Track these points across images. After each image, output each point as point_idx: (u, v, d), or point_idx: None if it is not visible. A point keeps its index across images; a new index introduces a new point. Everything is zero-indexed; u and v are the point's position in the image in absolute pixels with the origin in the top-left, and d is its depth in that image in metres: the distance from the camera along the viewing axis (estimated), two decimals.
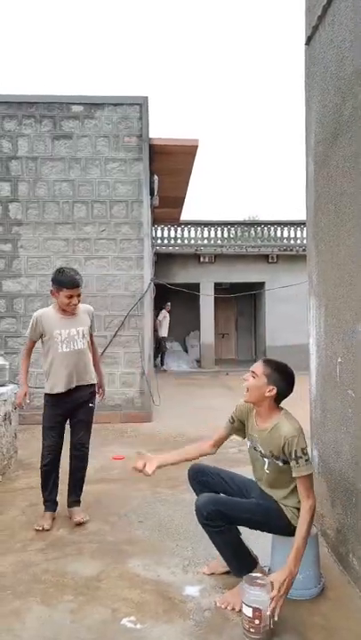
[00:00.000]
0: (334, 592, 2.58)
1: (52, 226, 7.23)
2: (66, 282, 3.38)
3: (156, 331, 13.85)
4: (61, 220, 7.23)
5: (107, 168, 7.27)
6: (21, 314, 7.17)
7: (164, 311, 14.35)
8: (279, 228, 16.13)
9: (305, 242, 15.14)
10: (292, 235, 16.00)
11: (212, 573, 2.73)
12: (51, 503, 3.50)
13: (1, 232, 7.19)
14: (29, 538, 3.25)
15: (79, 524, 3.38)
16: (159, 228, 15.37)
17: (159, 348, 14.67)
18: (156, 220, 12.91)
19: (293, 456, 2.40)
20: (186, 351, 16.74)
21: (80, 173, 7.26)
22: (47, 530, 3.31)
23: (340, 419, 2.84)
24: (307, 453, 2.42)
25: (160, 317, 14.28)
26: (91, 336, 3.65)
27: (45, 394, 3.58)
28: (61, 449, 3.58)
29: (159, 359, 15.00)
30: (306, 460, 2.40)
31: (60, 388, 3.48)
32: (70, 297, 3.39)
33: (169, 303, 14.50)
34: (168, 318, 14.55)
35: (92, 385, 3.64)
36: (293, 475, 2.42)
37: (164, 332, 14.55)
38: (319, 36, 3.14)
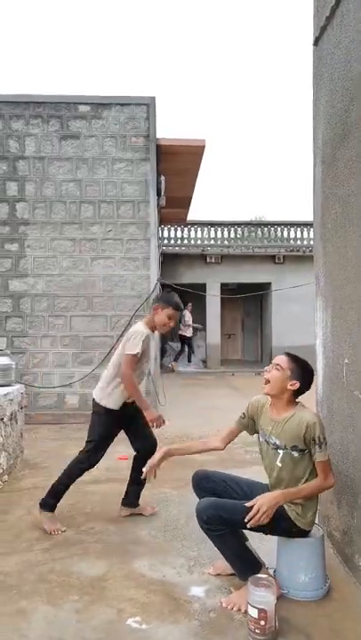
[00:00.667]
0: (340, 593, 2.57)
1: (58, 226, 7.25)
2: (173, 303, 3.55)
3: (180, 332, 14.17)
4: (68, 219, 7.25)
5: (114, 168, 7.28)
6: (28, 313, 7.19)
7: (187, 312, 14.38)
8: (286, 229, 16.10)
9: (312, 242, 15.19)
10: (299, 235, 15.96)
11: (218, 574, 2.73)
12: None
13: (8, 232, 7.21)
14: (35, 537, 3.25)
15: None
16: (166, 229, 15.37)
17: (182, 348, 14.88)
18: (163, 221, 12.91)
19: (317, 441, 2.46)
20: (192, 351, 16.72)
21: (87, 173, 7.27)
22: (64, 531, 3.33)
23: (346, 420, 2.84)
24: (326, 440, 2.49)
25: (186, 318, 14.34)
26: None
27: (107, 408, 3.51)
28: None
29: (170, 358, 15.12)
30: (326, 445, 2.48)
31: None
32: (171, 318, 3.54)
33: (190, 304, 14.51)
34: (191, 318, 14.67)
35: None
36: (317, 459, 2.47)
37: (189, 333, 14.65)
38: (327, 36, 3.14)
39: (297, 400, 2.66)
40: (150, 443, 3.59)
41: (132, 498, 3.63)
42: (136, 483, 3.56)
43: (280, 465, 2.57)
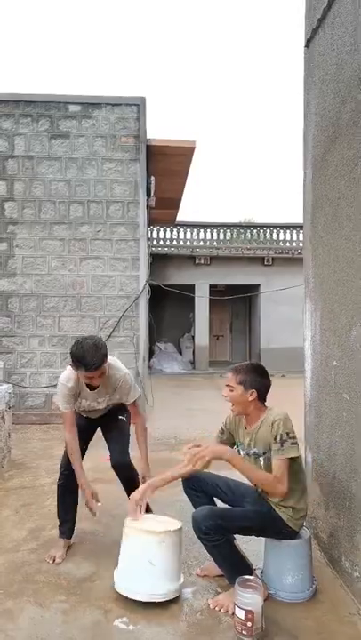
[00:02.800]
0: (327, 595, 2.58)
1: (47, 225, 7.21)
2: (83, 363, 2.84)
3: None
4: (57, 219, 7.22)
5: (103, 168, 7.26)
6: (16, 313, 7.15)
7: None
8: (275, 231, 16.18)
9: (301, 245, 15.27)
10: (288, 237, 16.05)
11: (205, 575, 2.72)
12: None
13: None
14: (22, 538, 3.23)
15: None
16: (155, 229, 15.36)
17: None
18: (153, 221, 12.90)
19: (277, 439, 2.42)
20: (180, 353, 16.74)
21: (77, 173, 7.25)
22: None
23: (334, 422, 2.85)
24: (293, 437, 2.43)
25: None
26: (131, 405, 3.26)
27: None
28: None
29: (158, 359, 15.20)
30: (292, 444, 2.41)
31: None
32: (91, 378, 2.94)
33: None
34: None
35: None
36: (274, 457, 2.41)
37: None
38: (319, 38, 3.15)
39: (265, 404, 2.63)
40: (115, 459, 3.21)
41: None
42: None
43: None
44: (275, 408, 2.58)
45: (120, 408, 3.31)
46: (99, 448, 3.93)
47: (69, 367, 3.02)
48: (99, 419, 3.33)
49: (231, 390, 2.59)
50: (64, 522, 3.13)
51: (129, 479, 3.22)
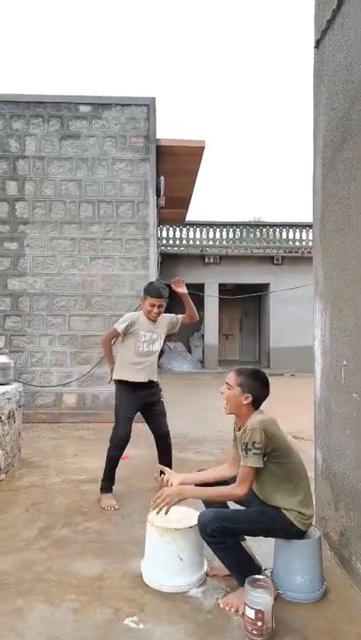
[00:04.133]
0: (337, 595, 2.58)
1: (58, 225, 7.25)
2: (151, 292, 3.91)
3: None
4: (68, 219, 7.25)
5: (113, 168, 7.29)
6: (26, 312, 7.19)
7: None
8: (284, 230, 16.14)
9: (310, 244, 15.22)
10: (298, 236, 16.00)
11: (215, 575, 2.73)
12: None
13: (7, 231, 7.22)
14: (32, 536, 3.25)
15: None
16: (165, 229, 15.39)
17: None
18: (162, 221, 12.92)
19: (244, 447, 2.46)
20: (189, 352, 16.75)
21: (87, 173, 7.28)
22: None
23: (344, 421, 2.84)
24: (258, 448, 2.42)
25: None
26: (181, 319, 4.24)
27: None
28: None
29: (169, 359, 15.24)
30: (254, 454, 2.42)
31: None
32: (153, 305, 3.90)
33: None
34: None
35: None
36: (240, 463, 2.49)
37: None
38: (329, 39, 3.14)
39: (260, 409, 2.64)
40: (160, 432, 4.13)
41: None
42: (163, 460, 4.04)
43: None
44: (258, 415, 2.56)
45: (160, 391, 4.16)
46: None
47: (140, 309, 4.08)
48: (144, 397, 4.00)
49: (229, 389, 2.63)
50: (112, 482, 3.88)
51: (167, 449, 4.14)
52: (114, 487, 3.89)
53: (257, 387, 2.61)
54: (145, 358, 3.97)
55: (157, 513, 2.56)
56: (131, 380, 3.93)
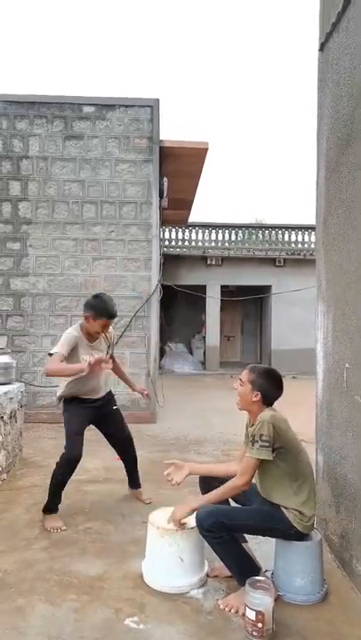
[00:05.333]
0: (337, 597, 2.58)
1: (61, 225, 7.26)
2: (106, 313, 3.46)
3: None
4: (70, 219, 7.27)
5: (117, 169, 7.30)
6: (29, 312, 7.21)
7: None
8: (287, 232, 16.14)
9: (312, 246, 15.22)
10: (300, 239, 16.00)
11: (216, 576, 2.73)
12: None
13: (10, 231, 7.23)
14: (33, 536, 3.26)
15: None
16: (167, 230, 15.39)
17: None
18: (165, 222, 12.93)
19: (252, 438, 2.49)
20: (191, 353, 16.75)
21: (90, 174, 7.29)
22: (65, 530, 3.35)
23: (346, 424, 2.85)
24: (265, 441, 2.44)
25: None
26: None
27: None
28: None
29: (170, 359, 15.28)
30: (261, 446, 2.44)
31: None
32: (104, 327, 3.52)
33: None
34: None
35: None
36: (246, 454, 2.52)
37: None
38: (333, 42, 3.15)
39: (273, 407, 2.66)
40: (122, 436, 3.84)
41: (130, 481, 3.96)
42: (128, 469, 3.92)
43: (257, 470, 2.60)
44: (269, 411, 2.58)
45: (112, 399, 3.82)
46: (110, 447, 3.96)
47: (77, 325, 3.55)
48: (97, 408, 3.65)
49: (241, 385, 2.66)
50: (57, 501, 3.46)
51: (134, 459, 3.91)
52: (116, 487, 3.83)
53: (268, 385, 2.62)
54: (90, 380, 3.52)
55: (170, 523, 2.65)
56: (74, 395, 3.58)
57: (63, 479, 3.44)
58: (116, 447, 3.91)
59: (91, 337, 3.55)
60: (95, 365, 3.23)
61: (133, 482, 3.95)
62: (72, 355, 3.42)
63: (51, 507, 3.45)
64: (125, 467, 3.94)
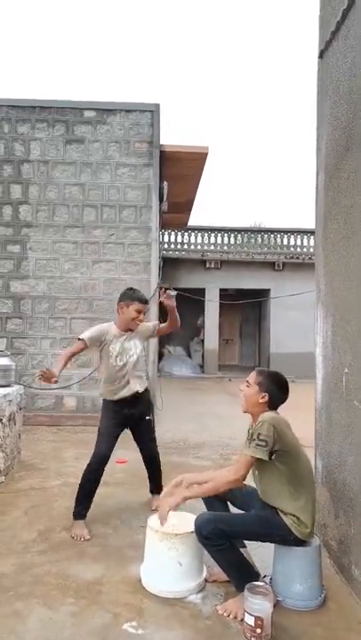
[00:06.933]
0: (336, 603, 2.58)
1: (61, 229, 7.28)
2: (138, 297, 3.65)
3: None
4: (71, 223, 7.28)
5: (117, 173, 7.32)
6: (28, 315, 7.21)
7: None
8: (286, 236, 16.18)
9: (311, 250, 15.25)
10: (299, 242, 16.04)
11: (214, 580, 2.73)
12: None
13: (10, 233, 7.24)
14: (32, 539, 3.26)
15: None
16: (166, 233, 15.43)
17: None
18: (164, 225, 12.95)
19: (249, 436, 2.50)
20: (189, 356, 16.75)
21: (90, 177, 7.31)
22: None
23: (345, 429, 2.85)
24: (262, 440, 2.44)
25: None
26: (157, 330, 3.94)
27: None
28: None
29: (168, 362, 15.27)
30: (257, 445, 2.44)
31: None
32: (139, 312, 3.63)
33: None
34: None
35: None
36: (241, 450, 2.53)
37: None
38: (333, 50, 3.17)
39: (276, 411, 2.66)
40: (148, 452, 3.85)
41: (151, 486, 3.93)
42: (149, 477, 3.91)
43: (257, 472, 2.63)
44: (271, 412, 2.59)
45: (148, 408, 3.84)
46: (114, 450, 3.95)
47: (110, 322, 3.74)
48: (130, 414, 3.67)
49: (248, 386, 2.68)
50: (86, 507, 3.44)
51: (156, 471, 3.88)
52: (117, 491, 3.79)
53: (275, 388, 2.64)
54: (121, 372, 3.62)
55: (162, 524, 2.62)
56: (109, 398, 3.67)
57: (87, 480, 3.48)
58: (142, 456, 3.92)
59: (126, 328, 3.67)
60: (44, 378, 3.40)
61: (152, 489, 3.93)
62: (103, 348, 3.63)
63: (76, 511, 3.44)
64: (148, 474, 3.95)
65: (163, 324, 3.90)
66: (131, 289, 3.78)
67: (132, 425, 3.76)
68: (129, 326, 3.65)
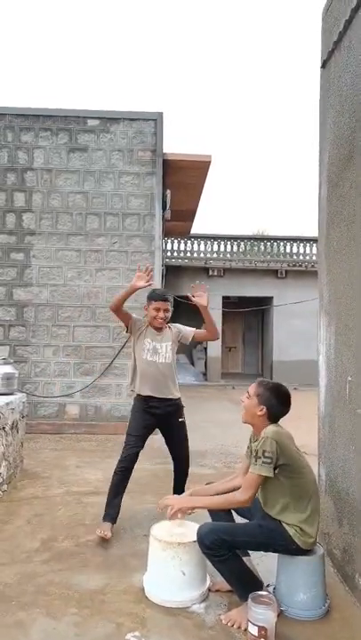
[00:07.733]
0: (340, 613, 2.56)
1: (64, 236, 7.31)
2: (156, 296, 3.73)
3: None
4: (74, 230, 7.31)
5: (120, 181, 7.36)
6: (31, 322, 7.22)
7: None
8: (288, 244, 16.20)
9: (314, 258, 15.26)
10: (302, 250, 16.06)
11: (218, 590, 2.72)
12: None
13: (14, 241, 7.27)
14: (34, 548, 3.25)
15: None
16: (169, 241, 15.47)
17: None
18: (167, 233, 12.99)
19: (255, 454, 2.48)
20: (192, 364, 16.73)
21: (94, 186, 7.35)
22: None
23: (348, 438, 2.84)
24: (268, 457, 2.43)
25: None
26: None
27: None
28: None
29: None
30: (263, 462, 2.42)
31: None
32: (158, 310, 3.67)
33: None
34: None
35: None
36: (249, 470, 2.50)
37: None
38: (335, 60, 3.19)
39: (278, 423, 2.63)
40: (177, 454, 3.86)
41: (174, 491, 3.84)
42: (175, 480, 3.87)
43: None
44: (273, 427, 2.55)
45: (180, 410, 3.79)
46: (114, 459, 3.95)
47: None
48: (161, 416, 3.69)
49: (248, 397, 2.66)
50: (114, 509, 3.49)
51: (184, 474, 3.84)
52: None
53: (274, 401, 2.59)
54: (150, 368, 3.66)
55: (170, 519, 2.67)
56: (138, 392, 3.72)
57: (115, 482, 3.54)
58: (172, 458, 3.93)
59: (155, 328, 3.72)
60: (138, 280, 3.57)
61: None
62: (138, 337, 3.73)
63: (105, 514, 3.49)
64: (174, 477, 3.92)
65: (199, 330, 3.88)
66: (154, 289, 3.90)
67: (164, 427, 3.79)
68: (153, 325, 3.71)
